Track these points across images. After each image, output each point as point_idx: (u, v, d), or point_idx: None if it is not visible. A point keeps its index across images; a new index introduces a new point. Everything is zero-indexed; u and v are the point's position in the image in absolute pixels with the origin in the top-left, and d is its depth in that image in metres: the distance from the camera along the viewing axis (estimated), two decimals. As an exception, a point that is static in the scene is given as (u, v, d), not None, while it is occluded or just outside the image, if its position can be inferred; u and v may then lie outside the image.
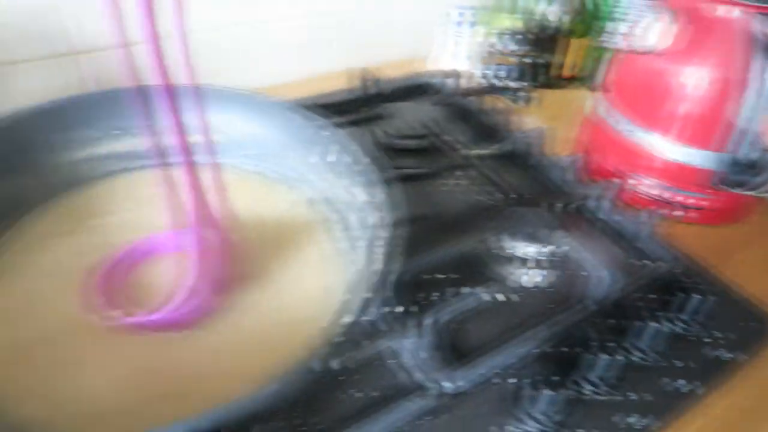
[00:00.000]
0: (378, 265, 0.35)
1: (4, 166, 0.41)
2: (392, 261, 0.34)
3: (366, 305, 0.31)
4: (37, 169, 0.43)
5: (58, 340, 0.36)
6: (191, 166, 0.34)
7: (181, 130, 0.32)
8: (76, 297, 0.39)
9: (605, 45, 0.79)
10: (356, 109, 0.65)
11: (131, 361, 0.34)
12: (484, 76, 0.77)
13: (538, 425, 0.40)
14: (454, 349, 0.45)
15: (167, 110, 0.31)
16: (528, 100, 0.75)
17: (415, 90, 0.72)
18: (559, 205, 0.54)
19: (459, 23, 0.77)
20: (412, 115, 0.68)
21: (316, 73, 0.80)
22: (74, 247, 0.42)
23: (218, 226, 0.37)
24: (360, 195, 0.42)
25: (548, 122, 0.76)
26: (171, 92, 0.31)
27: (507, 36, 0.72)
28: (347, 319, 0.30)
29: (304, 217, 0.45)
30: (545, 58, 0.77)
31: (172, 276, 0.38)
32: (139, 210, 0.45)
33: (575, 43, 0.78)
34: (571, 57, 0.79)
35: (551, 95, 0.82)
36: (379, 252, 0.37)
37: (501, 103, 0.76)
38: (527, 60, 0.72)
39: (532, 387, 0.41)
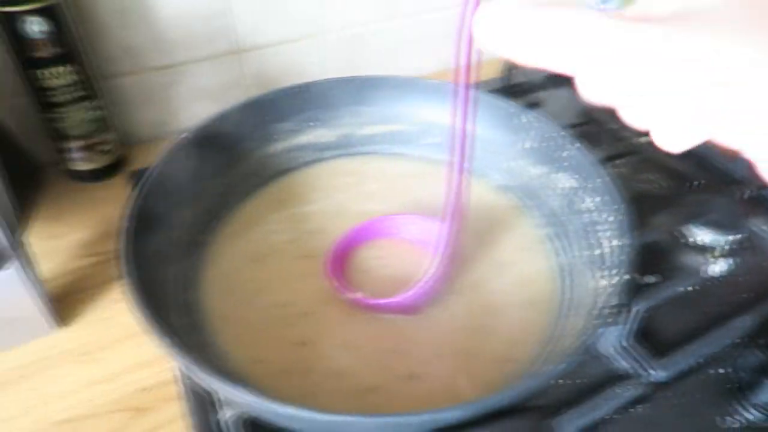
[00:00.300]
0: (611, 248, 0.35)
1: (221, 159, 0.44)
2: (632, 243, 0.33)
3: (626, 287, 0.30)
4: (247, 161, 0.46)
5: (292, 321, 0.38)
6: (462, 159, 0.34)
7: (465, 123, 0.33)
8: (293, 280, 0.41)
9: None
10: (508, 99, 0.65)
11: (374, 341, 0.36)
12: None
13: (760, 415, 0.39)
14: (649, 339, 0.44)
15: (460, 105, 0.32)
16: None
17: (560, 79, 0.71)
18: (747, 192, 0.52)
19: (602, 9, 0.75)
20: (561, 104, 0.67)
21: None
22: (282, 234, 0.44)
23: (461, 217, 0.37)
24: (563, 181, 0.42)
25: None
26: (467, 89, 0.31)
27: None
28: (613, 301, 0.30)
29: (497, 204, 0.46)
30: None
31: (392, 261, 0.39)
32: (333, 198, 0.47)
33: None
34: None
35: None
36: (606, 235, 0.36)
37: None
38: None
39: (748, 376, 0.40)
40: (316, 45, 0.70)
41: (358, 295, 0.37)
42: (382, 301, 0.37)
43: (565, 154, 0.41)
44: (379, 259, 0.42)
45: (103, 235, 0.56)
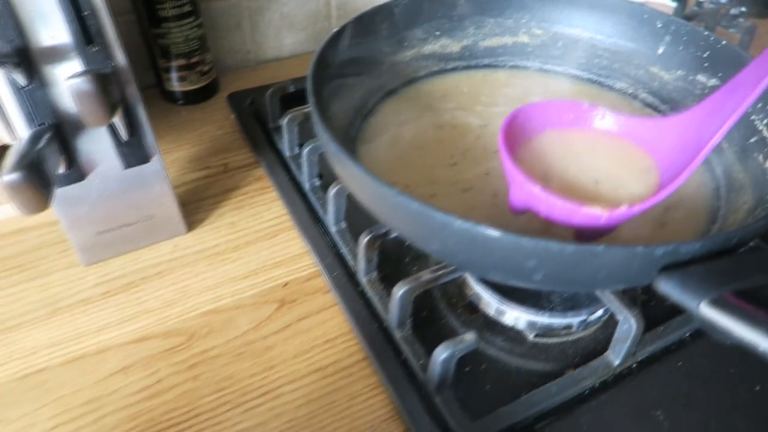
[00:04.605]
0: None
1: (361, 59, 0.44)
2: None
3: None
4: (381, 65, 0.46)
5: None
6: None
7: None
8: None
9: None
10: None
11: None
12: (699, 4, 0.76)
13: None
14: None
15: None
16: (746, 28, 0.74)
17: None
18: None
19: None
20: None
21: None
22: (420, 139, 0.44)
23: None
24: (704, 80, 0.43)
25: None
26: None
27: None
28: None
29: (629, 111, 0.46)
30: (765, -17, 0.75)
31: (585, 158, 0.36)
32: (461, 107, 0.47)
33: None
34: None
35: (764, 25, 0.80)
36: (764, 123, 0.38)
37: (720, 30, 0.74)
38: (753, -16, 0.71)
39: None
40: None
41: (538, 187, 0.30)
42: (570, 204, 0.30)
43: (706, 54, 0.42)
44: (566, 150, 0.37)
45: (209, 152, 0.56)
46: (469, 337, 0.32)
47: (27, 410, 0.36)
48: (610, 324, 0.40)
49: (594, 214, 0.30)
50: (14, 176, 0.27)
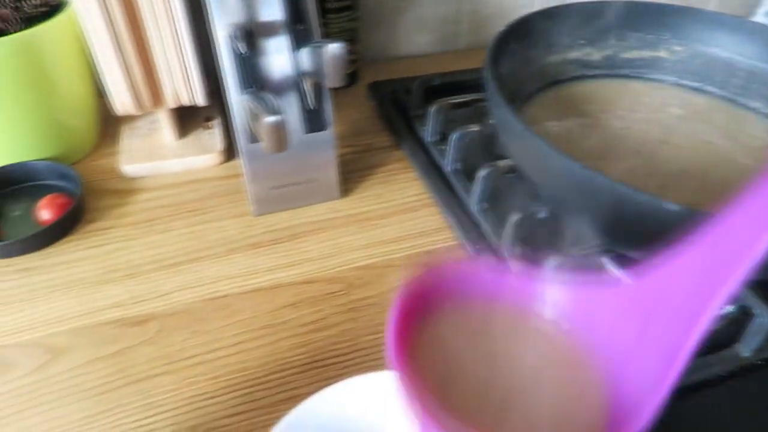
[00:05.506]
0: None
1: (515, 58, 0.49)
2: None
3: None
4: (532, 66, 0.51)
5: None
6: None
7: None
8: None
9: None
10: None
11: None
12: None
13: None
14: None
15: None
16: None
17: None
18: None
19: None
20: None
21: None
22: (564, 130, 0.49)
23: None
24: None
25: None
26: None
27: None
28: None
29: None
30: None
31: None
32: (603, 110, 0.51)
33: None
34: None
35: None
36: None
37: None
38: None
39: None
40: (531, -10, 0.75)
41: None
42: None
43: None
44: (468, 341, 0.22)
45: (352, 132, 0.62)
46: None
47: (215, 326, 0.42)
48: (735, 322, 0.42)
49: None
50: (278, 117, 0.33)
